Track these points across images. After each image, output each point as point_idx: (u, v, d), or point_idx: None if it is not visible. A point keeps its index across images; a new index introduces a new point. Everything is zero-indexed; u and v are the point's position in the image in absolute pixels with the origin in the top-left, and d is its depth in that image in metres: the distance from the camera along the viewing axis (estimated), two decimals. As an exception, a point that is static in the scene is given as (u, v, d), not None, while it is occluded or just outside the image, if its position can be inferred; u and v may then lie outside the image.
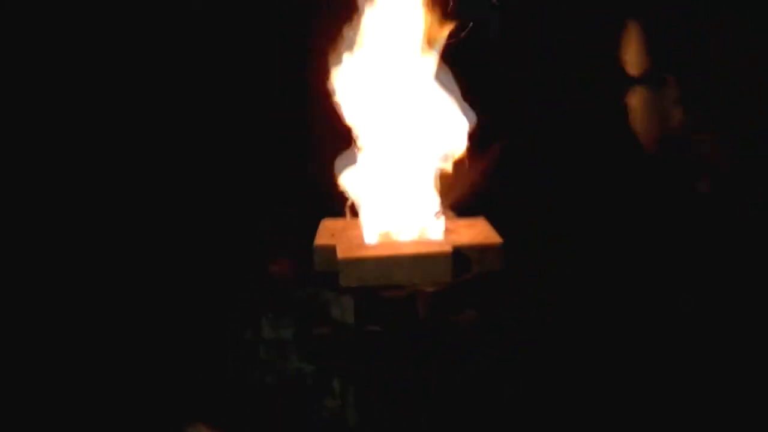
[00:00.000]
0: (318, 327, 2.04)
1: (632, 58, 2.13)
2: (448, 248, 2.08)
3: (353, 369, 2.00)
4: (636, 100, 2.17)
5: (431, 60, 2.24)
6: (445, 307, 2.02)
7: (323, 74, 2.23)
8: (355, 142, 2.26)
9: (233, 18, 2.62)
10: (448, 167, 2.26)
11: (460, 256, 2.08)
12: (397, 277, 2.04)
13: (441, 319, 2.01)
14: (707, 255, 2.32)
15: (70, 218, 2.83)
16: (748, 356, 2.16)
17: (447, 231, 2.20)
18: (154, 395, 2.18)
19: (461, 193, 2.30)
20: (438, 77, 2.24)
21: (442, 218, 2.25)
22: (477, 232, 2.20)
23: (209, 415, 2.08)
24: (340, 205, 2.26)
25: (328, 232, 2.24)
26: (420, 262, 2.05)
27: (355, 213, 2.26)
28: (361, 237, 2.20)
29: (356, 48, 2.23)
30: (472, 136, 2.27)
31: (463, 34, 2.24)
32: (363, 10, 2.22)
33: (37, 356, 2.37)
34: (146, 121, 2.85)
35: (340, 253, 2.07)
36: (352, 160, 2.26)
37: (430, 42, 2.22)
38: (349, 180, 2.24)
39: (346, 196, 2.25)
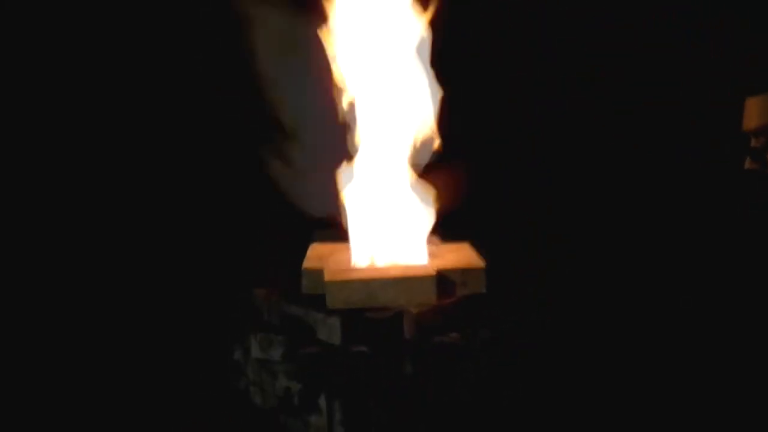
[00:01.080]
0: (306, 347, 2.09)
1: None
2: (432, 271, 2.13)
3: (340, 387, 2.04)
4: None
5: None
6: (430, 328, 2.07)
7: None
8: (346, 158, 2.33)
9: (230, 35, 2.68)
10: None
11: (444, 278, 2.14)
12: (383, 299, 2.10)
13: (426, 339, 2.07)
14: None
15: (64, 234, 2.87)
16: (749, 357, 2.20)
17: (432, 255, 2.25)
18: (142, 411, 2.21)
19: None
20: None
21: (427, 242, 2.31)
22: (461, 256, 2.26)
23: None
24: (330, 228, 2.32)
25: (316, 255, 2.29)
26: (405, 284, 2.11)
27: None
28: (348, 260, 2.26)
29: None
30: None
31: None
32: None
33: (27, 361, 2.41)
34: (139, 140, 2.90)
35: (327, 276, 2.13)
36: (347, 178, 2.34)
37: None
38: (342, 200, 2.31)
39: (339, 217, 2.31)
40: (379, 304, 2.09)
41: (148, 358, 2.41)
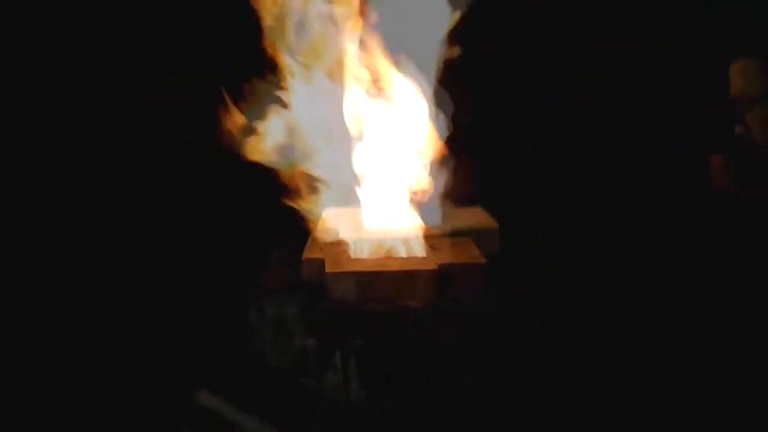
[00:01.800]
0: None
1: (748, 81, 2.16)
2: (433, 265, 2.12)
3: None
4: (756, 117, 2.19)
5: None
6: (429, 323, 2.07)
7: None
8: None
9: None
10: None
11: (444, 273, 2.12)
12: (382, 293, 2.09)
13: (425, 334, 2.06)
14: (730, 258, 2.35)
15: (75, 227, 2.89)
16: (749, 357, 2.19)
17: (433, 249, 2.24)
18: (159, 377, 2.23)
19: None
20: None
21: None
22: (462, 250, 2.24)
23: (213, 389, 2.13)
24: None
25: (317, 245, 2.29)
26: (405, 278, 2.10)
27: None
28: (349, 252, 2.25)
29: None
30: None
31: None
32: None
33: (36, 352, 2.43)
34: (147, 129, 2.90)
35: (328, 267, 2.12)
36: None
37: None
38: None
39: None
40: (379, 297, 2.08)
41: (163, 320, 2.43)
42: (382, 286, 2.09)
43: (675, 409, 2.09)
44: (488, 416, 2.05)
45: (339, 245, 2.26)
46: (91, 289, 2.71)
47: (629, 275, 2.63)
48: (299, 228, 2.35)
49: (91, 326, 2.56)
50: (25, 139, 2.93)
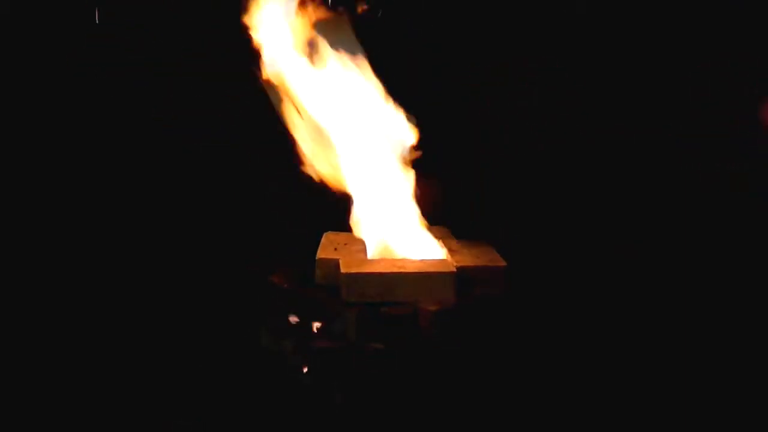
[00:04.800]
0: (318, 341, 2.04)
1: None
2: (452, 268, 2.08)
3: (353, 384, 2.00)
4: None
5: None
6: (448, 327, 2.03)
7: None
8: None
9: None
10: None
11: (464, 276, 2.09)
12: (400, 295, 2.04)
13: (443, 338, 2.02)
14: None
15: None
16: (748, 363, 2.21)
17: (451, 251, 2.20)
18: (147, 400, 2.15)
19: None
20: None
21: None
22: (481, 253, 2.21)
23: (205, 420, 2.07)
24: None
25: (331, 245, 2.22)
26: (424, 280, 2.05)
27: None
28: (364, 251, 2.20)
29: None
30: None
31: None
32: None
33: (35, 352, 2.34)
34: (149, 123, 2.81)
35: (344, 268, 2.06)
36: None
37: None
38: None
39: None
40: (396, 299, 2.03)
41: (154, 341, 2.35)
42: (400, 287, 2.05)
43: (675, 411, 2.10)
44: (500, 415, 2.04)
45: (354, 246, 2.21)
46: (90, 289, 2.62)
47: (634, 273, 2.65)
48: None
49: (90, 325, 2.46)
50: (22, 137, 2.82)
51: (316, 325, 2.06)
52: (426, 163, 2.45)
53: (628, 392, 2.15)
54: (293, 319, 2.10)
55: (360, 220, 2.22)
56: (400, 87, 2.63)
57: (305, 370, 2.02)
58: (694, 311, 2.50)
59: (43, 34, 2.87)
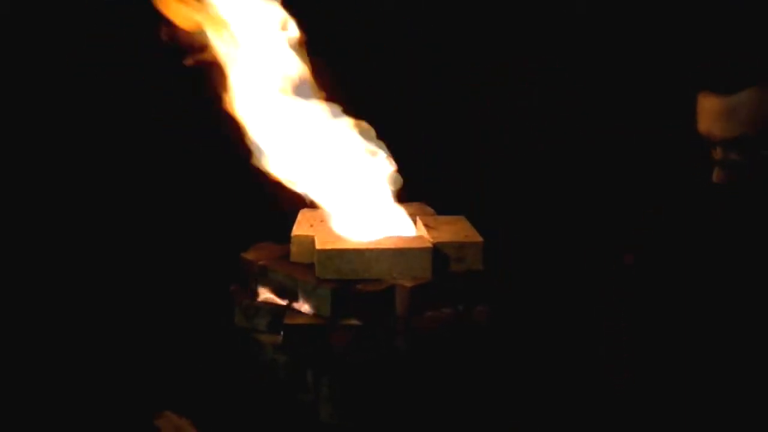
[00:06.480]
0: (291, 318, 2.00)
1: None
2: (428, 244, 2.05)
3: (328, 361, 1.96)
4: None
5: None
6: (424, 303, 1.99)
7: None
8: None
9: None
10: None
11: (440, 252, 2.05)
12: (376, 271, 2.01)
13: (419, 315, 1.98)
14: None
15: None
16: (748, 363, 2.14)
17: (427, 227, 2.16)
18: (125, 385, 2.13)
19: None
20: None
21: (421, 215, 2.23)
22: (458, 229, 2.17)
23: (178, 404, 2.03)
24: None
25: (306, 222, 2.20)
26: (399, 256, 2.02)
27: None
28: (339, 228, 2.17)
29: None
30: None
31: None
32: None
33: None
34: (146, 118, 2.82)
35: (318, 244, 2.03)
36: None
37: None
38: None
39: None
40: (372, 276, 2.00)
41: (131, 330, 2.33)
42: (376, 264, 2.01)
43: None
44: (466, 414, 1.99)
45: (330, 223, 2.18)
46: (88, 289, 2.62)
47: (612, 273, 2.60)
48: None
49: (88, 325, 2.46)
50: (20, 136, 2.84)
51: (291, 302, 2.04)
52: (426, 162, 2.44)
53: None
54: (268, 296, 2.07)
55: (335, 198, 2.18)
56: (400, 87, 2.65)
57: (279, 347, 1.99)
58: (693, 311, 2.44)
59: (43, 34, 2.89)
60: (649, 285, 2.54)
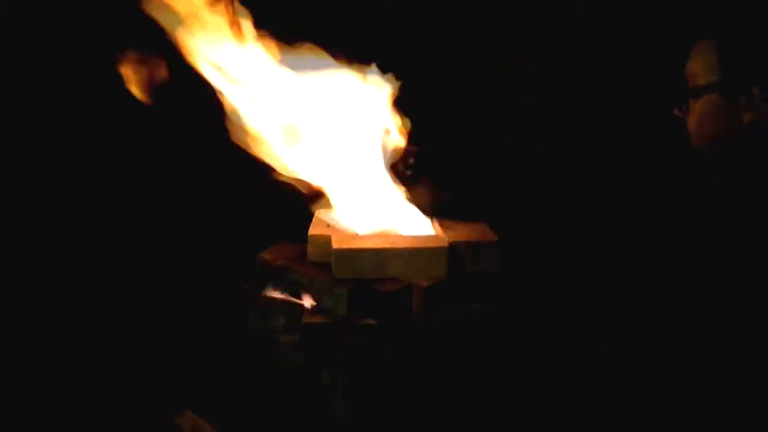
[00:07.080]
0: (309, 317, 2.01)
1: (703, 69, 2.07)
2: (444, 243, 2.06)
3: (344, 361, 1.97)
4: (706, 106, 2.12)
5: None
6: (440, 302, 2.01)
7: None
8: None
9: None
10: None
11: (456, 251, 2.06)
12: (392, 270, 2.02)
13: (435, 314, 2.00)
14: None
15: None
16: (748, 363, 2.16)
17: (444, 227, 2.18)
18: (143, 386, 2.13)
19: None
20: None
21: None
22: (474, 229, 2.18)
23: (197, 404, 2.03)
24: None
25: (323, 222, 2.21)
26: (415, 255, 2.03)
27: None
28: (356, 228, 2.18)
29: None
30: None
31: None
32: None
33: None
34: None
35: (335, 244, 2.04)
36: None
37: None
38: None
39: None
40: (388, 275, 2.01)
41: (145, 331, 2.33)
42: (392, 263, 2.02)
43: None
44: (480, 413, 2.00)
45: (342, 220, 2.19)
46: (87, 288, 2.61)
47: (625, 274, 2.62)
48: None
49: (87, 324, 2.45)
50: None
51: (308, 301, 2.05)
52: (425, 163, 2.45)
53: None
54: (285, 295, 2.08)
55: (351, 199, 2.20)
56: (400, 87, 2.64)
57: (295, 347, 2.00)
58: (693, 311, 2.46)
59: (43, 34, 2.87)
60: (649, 285, 2.57)
